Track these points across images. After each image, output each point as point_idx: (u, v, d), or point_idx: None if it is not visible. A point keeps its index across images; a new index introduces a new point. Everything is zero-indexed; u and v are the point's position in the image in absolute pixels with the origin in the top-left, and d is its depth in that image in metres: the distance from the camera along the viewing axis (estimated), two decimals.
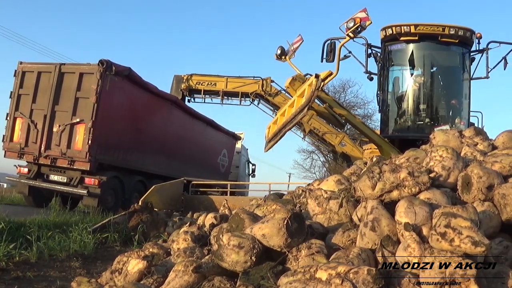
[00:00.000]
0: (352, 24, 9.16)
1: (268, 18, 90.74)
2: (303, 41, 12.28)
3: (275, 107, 14.57)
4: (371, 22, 9.28)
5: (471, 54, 11.82)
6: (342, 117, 12.35)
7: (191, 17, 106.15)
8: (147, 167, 13.98)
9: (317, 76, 9.56)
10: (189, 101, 16.25)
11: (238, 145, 22.66)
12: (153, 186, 10.28)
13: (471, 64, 11.90)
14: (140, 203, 8.84)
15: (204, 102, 16.19)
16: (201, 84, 15.73)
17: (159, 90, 14.41)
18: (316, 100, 11.36)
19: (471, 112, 11.87)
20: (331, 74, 10.10)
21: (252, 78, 15.12)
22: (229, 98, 15.68)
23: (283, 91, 14.53)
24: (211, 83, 15.65)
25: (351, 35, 9.41)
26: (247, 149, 24.91)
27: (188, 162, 16.26)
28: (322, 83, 9.96)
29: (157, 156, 14.63)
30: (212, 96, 15.95)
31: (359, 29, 9.28)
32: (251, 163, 24.75)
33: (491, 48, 11.40)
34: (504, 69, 11.27)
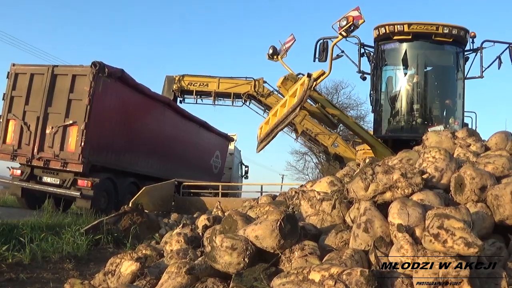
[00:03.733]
0: (345, 22, 9.18)
1: (260, 17, 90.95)
2: (295, 40, 12.38)
3: (268, 108, 14.64)
4: (364, 21, 9.31)
5: (466, 53, 11.91)
6: (335, 117, 12.49)
7: (182, 15, 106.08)
8: (140, 169, 14.15)
9: (309, 75, 9.59)
10: (181, 102, 16.42)
11: (231, 146, 22.83)
12: (144, 188, 10.45)
13: (465, 64, 12.01)
14: (130, 205, 8.93)
15: (196, 103, 16.32)
16: (193, 85, 15.87)
17: (152, 92, 14.59)
18: (308, 100, 11.46)
19: (465, 112, 12.03)
20: (323, 73, 10.15)
21: (245, 78, 15.21)
22: (221, 99, 15.80)
23: (275, 92, 14.60)
24: (203, 84, 15.79)
25: (344, 34, 9.44)
26: (240, 150, 25.08)
27: (181, 164, 16.41)
28: (315, 83, 10.00)
29: (150, 158, 14.82)
30: (204, 97, 16.09)
31: (352, 28, 9.30)
32: (244, 164, 24.92)
33: (485, 48, 11.53)
34: (499, 69, 11.40)
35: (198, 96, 16.21)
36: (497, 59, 11.41)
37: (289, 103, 9.95)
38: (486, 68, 11.70)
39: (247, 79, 15.23)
